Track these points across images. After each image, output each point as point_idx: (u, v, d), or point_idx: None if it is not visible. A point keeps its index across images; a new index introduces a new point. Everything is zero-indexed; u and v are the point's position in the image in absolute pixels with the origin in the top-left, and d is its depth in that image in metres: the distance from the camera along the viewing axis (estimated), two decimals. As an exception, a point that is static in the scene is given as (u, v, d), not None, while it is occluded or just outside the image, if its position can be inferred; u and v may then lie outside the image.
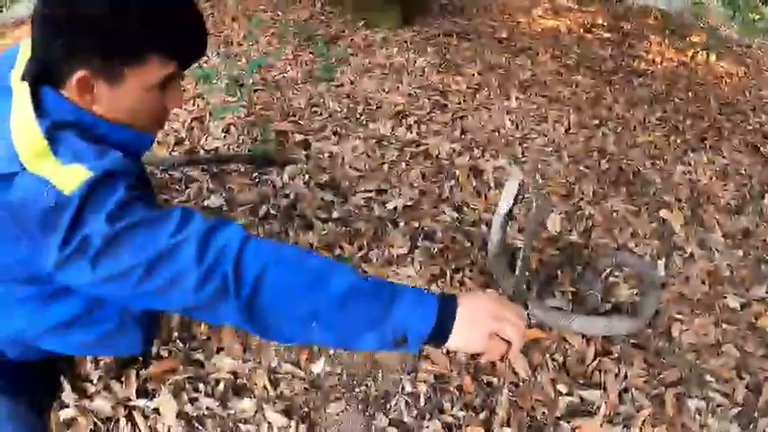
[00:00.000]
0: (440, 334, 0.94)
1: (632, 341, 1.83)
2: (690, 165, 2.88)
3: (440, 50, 3.89)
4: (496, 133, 2.87)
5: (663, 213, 2.45)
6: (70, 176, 0.94)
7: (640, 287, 2.03)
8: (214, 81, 3.08)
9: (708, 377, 1.78)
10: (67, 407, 1.49)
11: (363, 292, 0.95)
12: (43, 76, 1.05)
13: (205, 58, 3.79)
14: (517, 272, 1.73)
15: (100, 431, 1.47)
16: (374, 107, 3.10)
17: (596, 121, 3.10)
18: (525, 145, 2.78)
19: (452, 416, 1.54)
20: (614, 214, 2.38)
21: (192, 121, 2.96)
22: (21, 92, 1.03)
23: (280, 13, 4.80)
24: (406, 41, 4.05)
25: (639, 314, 1.90)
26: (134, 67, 1.03)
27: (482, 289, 1.94)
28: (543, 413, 1.56)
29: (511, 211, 1.83)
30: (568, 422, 1.53)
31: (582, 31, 4.70)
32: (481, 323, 0.97)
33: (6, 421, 1.29)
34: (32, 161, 0.96)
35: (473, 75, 3.50)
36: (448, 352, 1.68)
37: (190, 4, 1.07)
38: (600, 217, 2.34)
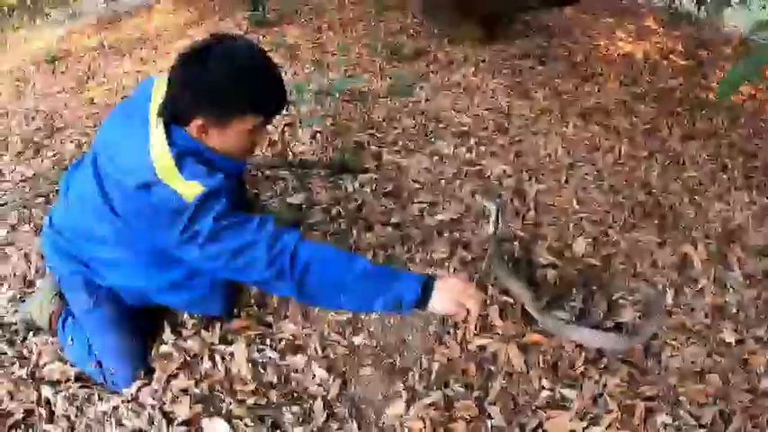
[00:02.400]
0: (422, 301, 1.56)
1: (622, 357, 2.05)
2: (729, 203, 2.97)
3: (513, 72, 4.16)
4: (547, 159, 3.14)
5: (686, 248, 2.59)
6: (190, 189, 1.53)
7: (644, 312, 2.22)
8: (305, 93, 3.50)
9: (683, 398, 1.96)
10: (165, 344, 2.04)
11: (374, 274, 1.57)
12: (173, 118, 1.63)
13: (299, 67, 4.25)
14: (484, 265, 2.18)
15: (188, 364, 1.98)
16: (443, 126, 3.45)
17: (646, 153, 3.29)
18: (570, 172, 3.04)
19: (453, 390, 1.91)
20: (639, 244, 2.58)
21: (284, 127, 3.42)
22: (158, 126, 1.62)
23: (372, 23, 5.18)
24: (483, 61, 4.33)
25: (635, 335, 2.10)
26: (236, 121, 1.62)
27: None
28: (526, 401, 1.89)
29: (496, 230, 2.16)
30: (545, 412, 1.85)
31: (659, 57, 4.80)
32: (450, 295, 1.56)
33: (110, 328, 1.95)
34: (166, 176, 1.54)
35: (540, 99, 3.76)
36: (461, 343, 2.06)
37: (275, 76, 1.65)
38: (625, 245, 2.56)
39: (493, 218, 2.15)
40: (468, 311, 1.57)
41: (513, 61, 4.39)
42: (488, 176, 2.97)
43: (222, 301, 2.02)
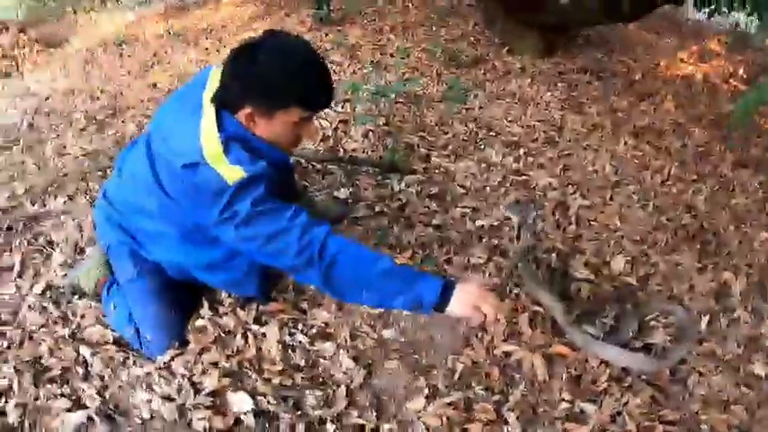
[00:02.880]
0: (441, 304, 1.62)
1: (647, 378, 2.05)
2: (776, 234, 2.93)
3: (569, 86, 4.17)
4: (594, 174, 3.16)
5: (726, 275, 2.57)
6: (233, 173, 1.63)
7: (675, 335, 2.20)
8: (362, 92, 3.58)
9: (704, 426, 1.96)
10: (202, 318, 2.14)
11: (397, 273, 1.64)
12: (224, 105, 1.72)
13: (359, 66, 4.33)
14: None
15: (222, 339, 2.08)
16: (494, 134, 3.49)
17: (695, 177, 3.28)
18: (616, 189, 3.04)
19: (474, 392, 1.95)
20: (678, 267, 2.58)
21: (338, 123, 3.50)
22: (210, 111, 1.73)
23: (434, 28, 5.22)
24: (540, 73, 4.35)
25: (664, 358, 2.09)
26: (282, 112, 1.71)
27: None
28: (545, 411, 1.92)
29: (518, 239, 2.25)
30: (562, 424, 1.88)
31: (719, 80, 4.76)
32: (468, 299, 1.61)
33: (151, 298, 2.05)
34: (211, 158, 1.64)
35: (593, 115, 3.77)
36: (487, 347, 2.09)
37: (325, 77, 1.74)
38: (663, 267, 2.56)
39: (515, 227, 2.25)
40: (484, 316, 1.63)
41: (570, 75, 4.41)
42: (533, 187, 3.01)
43: (257, 284, 2.10)
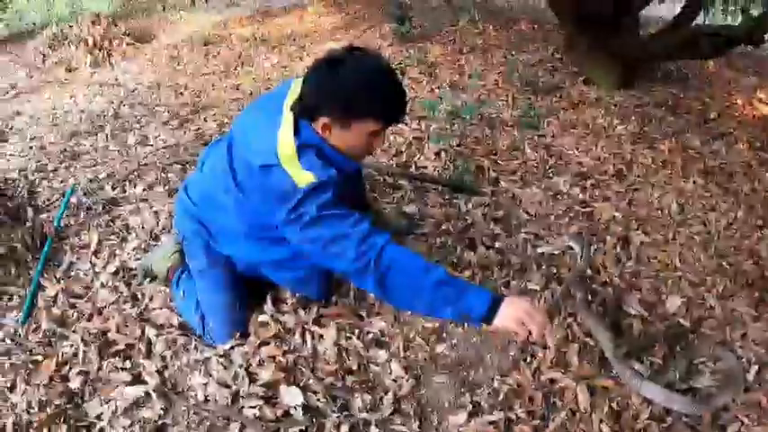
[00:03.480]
0: (489, 316, 1.70)
1: (688, 421, 2.03)
2: (842, 287, 2.85)
3: (643, 120, 4.16)
4: (659, 212, 3.15)
5: None
6: (304, 177, 1.76)
7: (722, 381, 2.17)
8: (437, 111, 3.66)
9: None
10: (264, 314, 2.26)
11: (449, 283, 1.72)
12: (303, 114, 1.85)
13: (436, 85, 4.42)
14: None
15: (281, 336, 2.19)
16: (563, 163, 3.53)
17: (761, 223, 3.21)
18: (680, 229, 3.03)
19: (515, 414, 1.98)
20: (733, 313, 2.54)
21: (412, 140, 3.61)
22: (288, 118, 1.87)
23: (513, 53, 5.27)
24: (615, 105, 4.36)
25: (707, 403, 2.06)
26: (357, 123, 1.83)
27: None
28: None
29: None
30: None
31: None
32: (515, 314, 1.67)
33: (220, 289, 2.19)
34: (285, 162, 1.78)
35: (664, 151, 3.75)
36: (534, 373, 2.12)
37: (399, 92, 1.85)
38: (719, 311, 2.52)
39: (579, 255, 2.30)
40: (529, 333, 1.69)
41: (644, 108, 4.39)
42: (598, 219, 3.03)
43: (318, 286, 2.23)
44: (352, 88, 1.78)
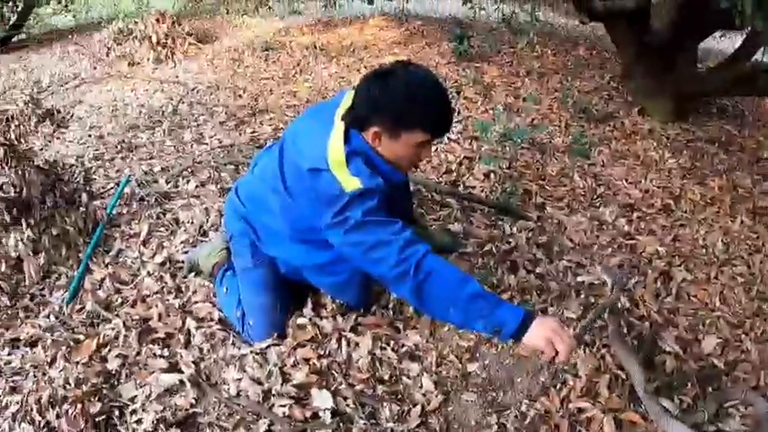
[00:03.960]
0: (519, 333, 1.72)
1: None
2: None
3: (695, 155, 4.11)
4: (703, 250, 3.11)
5: None
6: (351, 183, 1.83)
7: (752, 428, 2.13)
8: (489, 133, 3.69)
9: None
10: (303, 317, 2.32)
11: (484, 297, 1.76)
12: (353, 123, 1.92)
13: (490, 106, 4.44)
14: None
15: (318, 340, 2.24)
16: (611, 193, 3.52)
17: None
18: (723, 268, 2.98)
19: (540, 440, 1.98)
20: None
21: (462, 159, 3.65)
22: (340, 126, 1.94)
23: (569, 78, 5.26)
24: (668, 138, 4.32)
25: None
26: (406, 134, 1.89)
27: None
28: None
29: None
30: None
31: None
32: (545, 333, 1.70)
33: (262, 289, 2.25)
34: (334, 167, 1.85)
35: (714, 188, 3.70)
36: (563, 400, 2.12)
37: (447, 106, 1.93)
38: (755, 355, 2.47)
39: (610, 288, 2.34)
40: (556, 353, 1.71)
41: (697, 143, 4.34)
42: (641, 252, 3.01)
43: (357, 293, 2.28)
44: (402, 100, 1.85)
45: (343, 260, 2.02)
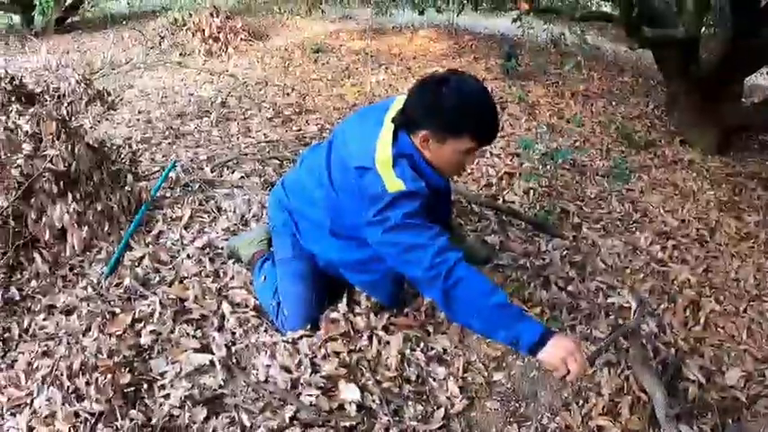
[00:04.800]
0: (536, 348, 1.77)
1: None
2: None
3: (733, 189, 4.12)
4: (735, 283, 3.11)
5: None
6: (395, 184, 1.88)
7: None
8: (532, 151, 3.72)
9: None
10: (337, 311, 2.35)
11: (508, 308, 1.83)
12: (403, 126, 1.98)
13: (534, 124, 4.47)
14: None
15: (349, 335, 2.28)
16: (648, 220, 3.53)
17: None
18: (752, 303, 2.97)
19: (554, 449, 2.01)
20: None
21: (503, 174, 3.69)
22: (389, 128, 2.00)
23: (614, 103, 5.27)
24: (708, 169, 4.32)
25: None
26: (454, 139, 1.94)
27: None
28: None
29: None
30: None
31: None
32: (559, 352, 1.75)
33: (300, 280, 2.30)
34: (380, 167, 1.91)
35: (750, 223, 3.70)
36: (583, 417, 2.14)
37: (494, 116, 1.99)
38: None
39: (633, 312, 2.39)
40: (568, 371, 1.76)
41: (737, 177, 4.33)
42: (672, 280, 3.02)
43: (389, 292, 2.34)
44: (452, 106, 1.89)
45: (378, 259, 2.08)
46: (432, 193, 1.99)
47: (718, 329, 2.78)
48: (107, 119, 4.28)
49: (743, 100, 5.07)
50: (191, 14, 6.83)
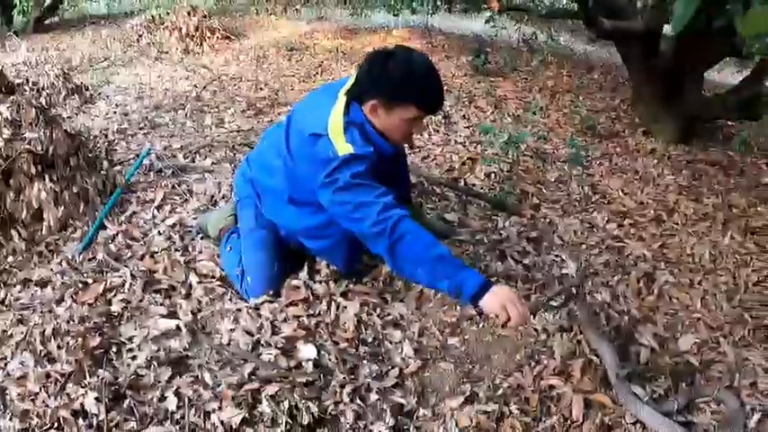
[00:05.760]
0: (477, 296, 1.93)
1: None
2: None
3: (693, 175, 4.21)
4: (690, 258, 3.19)
5: None
6: (344, 147, 2.04)
7: (721, 424, 2.18)
8: (494, 136, 3.83)
9: None
10: (298, 279, 2.49)
11: (450, 260, 1.98)
12: (355, 96, 2.13)
13: (500, 116, 4.58)
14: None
15: (309, 301, 2.40)
16: (606, 202, 3.65)
17: None
18: (707, 276, 3.04)
19: (509, 409, 2.10)
20: (746, 362, 2.53)
21: (466, 160, 3.80)
22: (342, 100, 2.16)
23: (581, 98, 5.40)
24: (669, 157, 4.44)
25: None
26: (400, 107, 2.11)
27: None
28: None
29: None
30: None
31: None
32: (499, 300, 1.90)
33: (262, 248, 2.42)
34: (332, 133, 2.07)
35: (708, 205, 3.79)
36: (536, 377, 2.23)
37: (438, 86, 2.14)
38: (731, 358, 2.52)
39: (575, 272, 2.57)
40: (508, 318, 1.91)
41: (698, 165, 4.43)
42: (627, 255, 3.11)
43: (344, 257, 2.47)
44: (398, 76, 2.06)
45: (333, 224, 2.22)
46: (380, 158, 2.15)
47: (673, 299, 2.84)
48: (84, 111, 4.37)
49: (704, 93, 5.19)
50: (168, 13, 6.93)
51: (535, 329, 2.43)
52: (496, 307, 1.91)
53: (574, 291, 2.66)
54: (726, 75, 7.05)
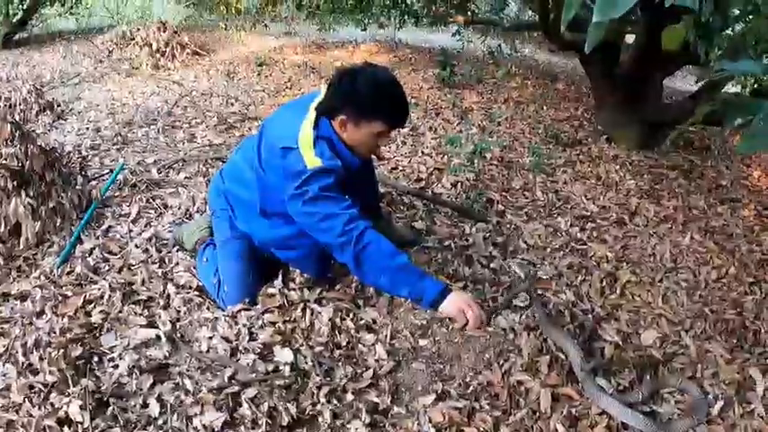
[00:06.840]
0: (437, 302, 2.11)
1: None
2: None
3: (654, 179, 4.37)
4: (651, 258, 3.32)
5: (753, 371, 2.55)
6: (313, 161, 2.14)
7: (685, 412, 2.27)
8: (462, 149, 3.95)
9: None
10: (273, 287, 2.56)
11: (411, 269, 2.12)
12: (324, 112, 2.24)
13: (465, 127, 4.70)
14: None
15: (284, 307, 2.48)
16: (569, 207, 3.77)
17: (752, 280, 3.28)
18: (668, 274, 3.18)
19: (480, 404, 2.18)
20: (707, 354, 2.65)
21: (433, 170, 3.93)
22: (312, 114, 2.26)
23: (545, 108, 5.54)
24: (631, 163, 4.58)
25: (666, 427, 2.15)
26: (368, 123, 2.22)
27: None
28: None
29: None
30: None
31: None
32: (457, 304, 2.06)
33: (237, 258, 2.49)
34: (303, 147, 2.17)
35: (669, 208, 3.95)
36: (504, 374, 2.32)
37: (404, 102, 2.26)
38: (693, 350, 2.64)
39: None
40: (467, 321, 2.09)
41: (659, 169, 4.58)
42: (590, 256, 3.24)
43: (316, 266, 2.57)
44: (365, 94, 2.18)
45: (303, 235, 2.32)
46: (349, 172, 2.26)
47: (635, 297, 2.97)
48: (56, 128, 4.40)
49: (666, 100, 5.33)
50: (138, 29, 6.97)
51: (503, 329, 2.52)
52: (455, 311, 2.10)
53: (525, 295, 2.75)
54: (688, 81, 7.24)
